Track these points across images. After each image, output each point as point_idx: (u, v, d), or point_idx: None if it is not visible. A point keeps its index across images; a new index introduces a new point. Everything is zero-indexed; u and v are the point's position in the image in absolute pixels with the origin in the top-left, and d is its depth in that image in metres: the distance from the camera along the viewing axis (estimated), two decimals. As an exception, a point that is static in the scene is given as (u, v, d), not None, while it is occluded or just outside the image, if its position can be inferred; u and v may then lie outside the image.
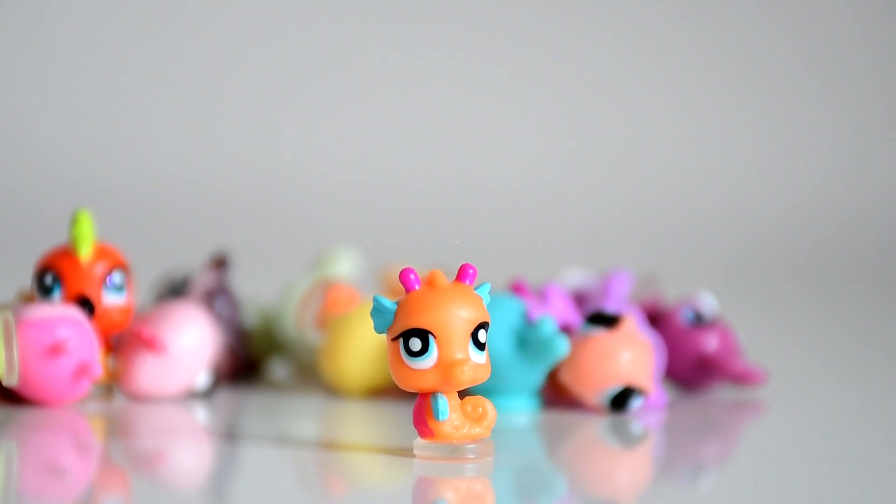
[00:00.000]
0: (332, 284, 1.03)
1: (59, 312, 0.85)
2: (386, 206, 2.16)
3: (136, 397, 0.91)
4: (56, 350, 0.84)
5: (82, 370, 0.85)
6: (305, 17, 2.30)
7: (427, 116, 2.29)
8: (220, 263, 1.01)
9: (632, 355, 0.87)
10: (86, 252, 0.87)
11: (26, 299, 0.89)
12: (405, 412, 0.86)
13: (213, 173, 2.19)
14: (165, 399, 0.91)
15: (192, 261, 1.15)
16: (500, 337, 0.87)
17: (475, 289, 0.71)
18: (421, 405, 0.71)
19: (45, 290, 0.87)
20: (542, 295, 0.91)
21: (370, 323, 0.74)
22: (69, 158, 2.19)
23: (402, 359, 0.70)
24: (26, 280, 0.89)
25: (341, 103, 2.29)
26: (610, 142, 2.27)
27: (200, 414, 0.90)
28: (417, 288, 0.71)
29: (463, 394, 0.72)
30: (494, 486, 0.69)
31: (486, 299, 0.72)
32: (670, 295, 1.07)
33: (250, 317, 1.04)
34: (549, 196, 2.20)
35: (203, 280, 1.00)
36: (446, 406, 0.70)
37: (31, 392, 0.85)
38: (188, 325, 0.91)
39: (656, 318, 0.98)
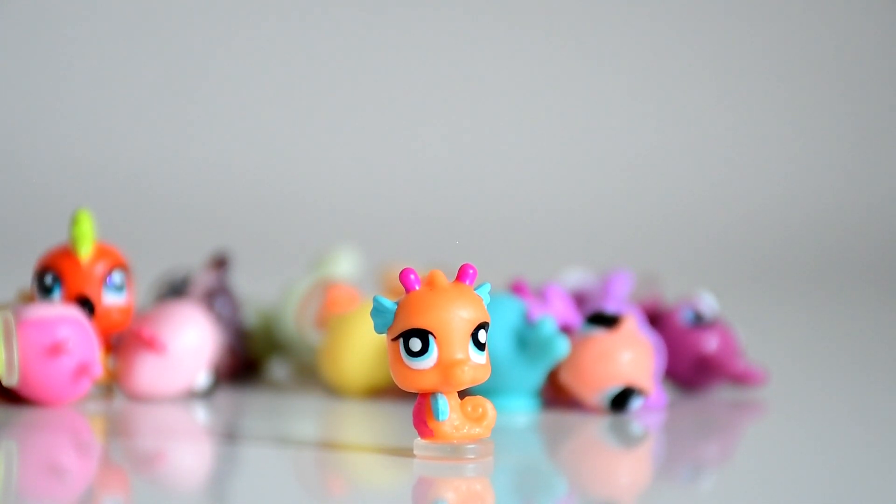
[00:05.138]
0: (331, 284, 1.03)
1: (59, 312, 0.85)
2: (386, 206, 2.16)
3: (136, 397, 0.91)
4: (56, 350, 0.84)
5: (82, 370, 0.85)
6: (306, 19, 2.30)
7: (427, 117, 2.29)
8: (220, 263, 1.01)
9: (632, 355, 0.87)
10: (86, 252, 0.87)
11: (26, 299, 0.89)
12: (405, 412, 0.86)
13: (212, 173, 2.19)
14: (165, 399, 0.91)
15: (192, 261, 1.15)
16: (500, 337, 0.87)
17: (475, 289, 0.71)
18: (421, 405, 0.71)
19: (45, 290, 0.87)
20: (542, 295, 0.91)
21: (370, 323, 0.74)
22: (69, 158, 2.19)
23: (402, 359, 0.70)
24: (26, 280, 0.89)
25: (341, 104, 2.29)
26: (610, 142, 2.27)
27: (200, 414, 0.90)
28: (417, 288, 0.71)
29: (463, 394, 0.72)
30: (494, 486, 0.69)
31: (486, 299, 0.72)
32: (670, 295, 1.07)
33: (250, 317, 1.04)
34: (549, 196, 2.20)
35: (203, 280, 1.00)
36: (446, 406, 0.70)
37: (32, 392, 0.85)
38: (188, 325, 0.91)
39: (656, 318, 0.98)
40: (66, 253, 0.88)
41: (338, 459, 0.75)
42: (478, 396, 0.72)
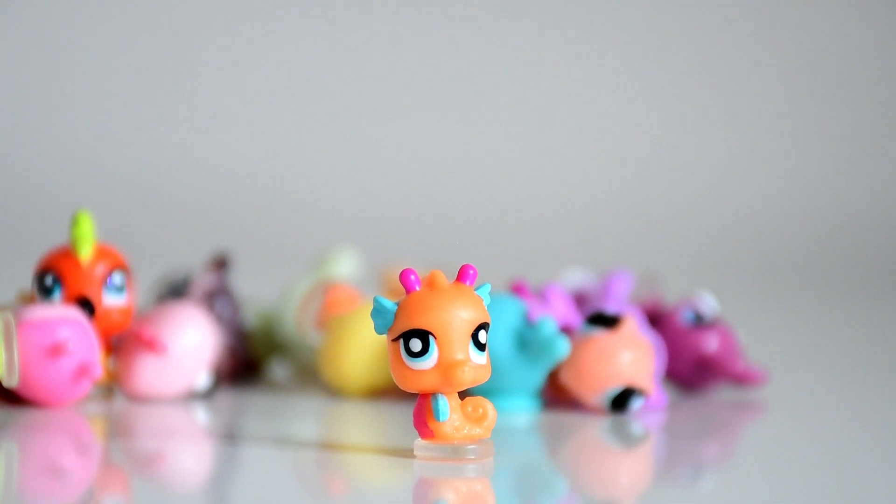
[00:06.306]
0: (332, 285, 1.03)
1: (59, 313, 0.85)
2: (386, 206, 2.16)
3: (137, 398, 0.91)
4: (56, 351, 0.84)
5: (82, 371, 0.85)
6: (305, 18, 2.30)
7: (427, 117, 2.29)
8: (220, 264, 1.01)
9: (632, 356, 0.87)
10: (86, 253, 0.87)
11: (26, 300, 0.89)
12: (405, 413, 0.86)
13: (212, 173, 2.19)
14: (166, 400, 0.91)
15: (192, 261, 1.15)
16: (500, 337, 0.87)
17: (475, 289, 0.71)
18: (421, 406, 0.71)
19: (45, 291, 0.87)
20: (542, 295, 0.91)
21: (370, 323, 0.74)
22: (69, 158, 2.19)
23: (402, 359, 0.70)
24: (26, 281, 0.89)
25: (341, 104, 2.29)
26: (610, 142, 2.27)
27: (201, 415, 0.90)
28: (418, 289, 0.71)
29: (463, 394, 0.72)
30: (495, 486, 0.69)
31: (486, 300, 0.72)
32: (670, 295, 1.07)
33: (250, 317, 1.04)
34: (549, 196, 2.20)
35: (203, 281, 1.00)
36: (447, 407, 0.70)
37: (32, 393, 0.85)
38: (188, 326, 0.91)
39: (656, 319, 0.98)
40: (67, 254, 0.88)
41: (338, 460, 0.75)
42: (478, 397, 0.72)
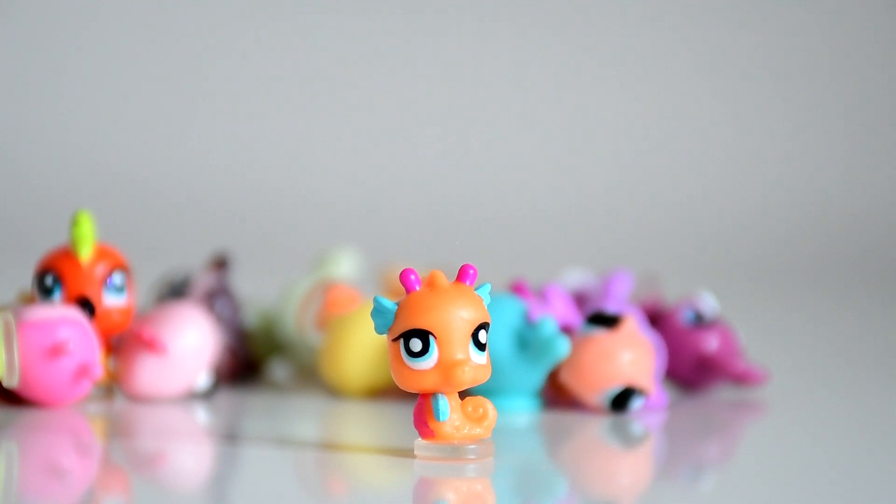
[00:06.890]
0: (332, 285, 1.03)
1: (59, 313, 0.85)
2: (386, 206, 2.16)
3: (137, 398, 0.91)
4: (56, 351, 0.84)
5: (83, 371, 0.85)
6: (305, 19, 2.30)
7: (427, 117, 2.29)
8: (220, 264, 1.01)
9: (632, 356, 0.87)
10: (86, 253, 0.87)
11: (27, 300, 0.89)
12: (406, 413, 0.86)
13: (213, 174, 2.19)
14: (166, 400, 0.91)
15: (192, 261, 1.15)
16: (500, 337, 0.87)
17: (475, 289, 0.71)
18: (421, 406, 0.71)
19: (45, 291, 0.87)
20: (542, 295, 0.92)
21: (371, 323, 0.74)
22: (69, 158, 2.19)
23: (402, 359, 0.70)
24: (27, 281, 0.89)
25: (341, 104, 2.29)
26: (610, 142, 2.27)
27: (201, 415, 0.90)
28: (418, 288, 0.71)
29: (463, 394, 0.72)
30: (495, 486, 0.69)
31: (486, 300, 0.72)
32: (670, 295, 1.07)
33: (250, 317, 1.04)
34: (549, 196, 2.20)
35: (203, 281, 1.00)
36: (447, 406, 0.70)
37: (32, 393, 0.85)
38: (188, 326, 0.91)
39: (656, 319, 0.98)
40: (67, 254, 0.88)
41: (338, 460, 0.75)
42: (478, 397, 0.72)
